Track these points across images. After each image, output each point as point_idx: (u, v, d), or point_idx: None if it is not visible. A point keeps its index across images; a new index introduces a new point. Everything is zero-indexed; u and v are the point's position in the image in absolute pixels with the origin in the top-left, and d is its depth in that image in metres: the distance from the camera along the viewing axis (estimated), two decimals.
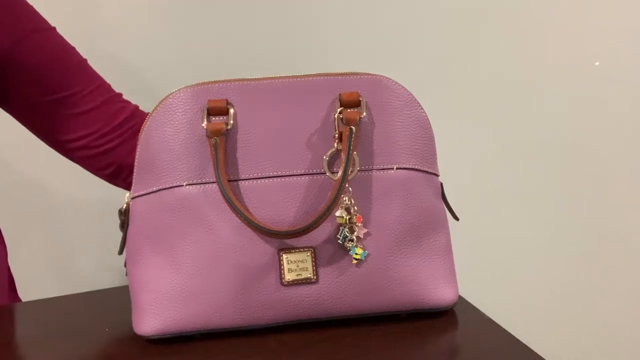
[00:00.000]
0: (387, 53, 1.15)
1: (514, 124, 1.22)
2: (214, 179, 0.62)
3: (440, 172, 0.68)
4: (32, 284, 0.94)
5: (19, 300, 0.90)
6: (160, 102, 0.63)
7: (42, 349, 0.64)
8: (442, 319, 0.65)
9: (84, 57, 0.87)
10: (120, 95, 0.89)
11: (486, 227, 1.23)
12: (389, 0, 1.13)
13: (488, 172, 1.22)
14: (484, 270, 1.24)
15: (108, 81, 0.88)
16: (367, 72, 0.65)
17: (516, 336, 0.61)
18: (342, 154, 0.61)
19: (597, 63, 1.19)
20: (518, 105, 1.21)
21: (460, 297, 0.70)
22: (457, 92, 1.19)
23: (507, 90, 1.20)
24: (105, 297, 0.76)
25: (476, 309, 0.68)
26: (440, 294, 0.65)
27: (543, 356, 0.57)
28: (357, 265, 0.63)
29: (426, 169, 0.66)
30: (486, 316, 0.66)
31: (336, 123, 0.63)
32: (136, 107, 0.89)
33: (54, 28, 0.85)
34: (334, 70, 0.65)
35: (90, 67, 0.87)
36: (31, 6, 0.84)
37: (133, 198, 0.65)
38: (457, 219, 0.71)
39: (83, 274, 1.01)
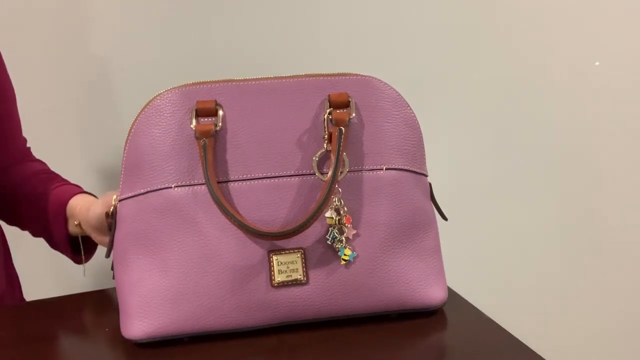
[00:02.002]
0: (377, 54, 1.15)
1: (511, 124, 1.22)
2: (203, 181, 0.61)
3: (429, 172, 0.68)
4: (32, 284, 0.93)
5: (22, 299, 0.90)
6: (147, 104, 0.63)
7: (42, 349, 0.64)
8: (434, 318, 0.66)
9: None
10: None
11: (475, 228, 1.23)
12: (381, 0, 1.13)
13: (477, 173, 1.23)
14: (473, 269, 1.24)
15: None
16: (356, 72, 0.65)
17: (512, 334, 0.62)
18: (331, 154, 0.61)
19: (597, 63, 1.20)
20: (516, 105, 1.21)
21: (455, 294, 0.70)
22: (448, 92, 1.19)
23: (503, 90, 1.20)
24: (105, 298, 0.75)
25: (472, 306, 0.69)
26: (429, 294, 0.65)
27: (542, 355, 0.58)
28: (346, 266, 0.63)
29: (415, 169, 0.66)
30: (483, 314, 0.67)
31: (325, 124, 0.63)
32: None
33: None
34: (324, 71, 0.65)
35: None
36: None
37: (120, 200, 0.64)
38: (445, 219, 0.71)
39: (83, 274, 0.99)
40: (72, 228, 0.83)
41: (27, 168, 0.90)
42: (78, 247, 0.85)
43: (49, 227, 0.84)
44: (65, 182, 0.88)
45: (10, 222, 0.92)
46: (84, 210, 0.79)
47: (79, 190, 0.85)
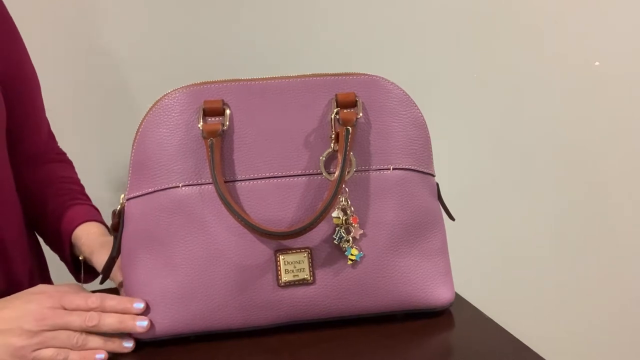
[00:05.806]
0: (384, 53, 1.15)
1: (512, 124, 1.22)
2: (210, 180, 0.61)
3: (437, 172, 0.68)
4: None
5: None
6: (155, 103, 0.63)
7: None
8: (440, 318, 0.66)
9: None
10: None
11: (482, 228, 1.23)
12: (388, 0, 1.13)
13: (484, 173, 1.23)
14: (480, 270, 1.24)
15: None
16: (363, 72, 0.65)
17: (514, 335, 0.62)
18: (338, 154, 0.61)
19: (597, 63, 1.20)
20: (517, 106, 1.21)
21: (458, 296, 0.70)
22: (454, 92, 1.19)
23: (506, 90, 1.20)
24: None
25: (475, 308, 0.68)
26: (436, 294, 0.65)
27: (544, 357, 0.57)
28: (352, 266, 0.63)
29: (422, 169, 0.66)
30: (485, 315, 0.66)
31: (333, 123, 0.63)
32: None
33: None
34: (331, 71, 0.65)
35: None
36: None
37: (128, 199, 0.64)
38: (453, 219, 0.71)
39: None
40: (77, 253, 0.80)
41: (44, 172, 0.86)
42: (80, 266, 0.81)
43: (54, 246, 0.83)
44: (76, 201, 0.83)
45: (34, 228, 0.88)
46: (87, 249, 0.77)
47: (86, 217, 0.80)
